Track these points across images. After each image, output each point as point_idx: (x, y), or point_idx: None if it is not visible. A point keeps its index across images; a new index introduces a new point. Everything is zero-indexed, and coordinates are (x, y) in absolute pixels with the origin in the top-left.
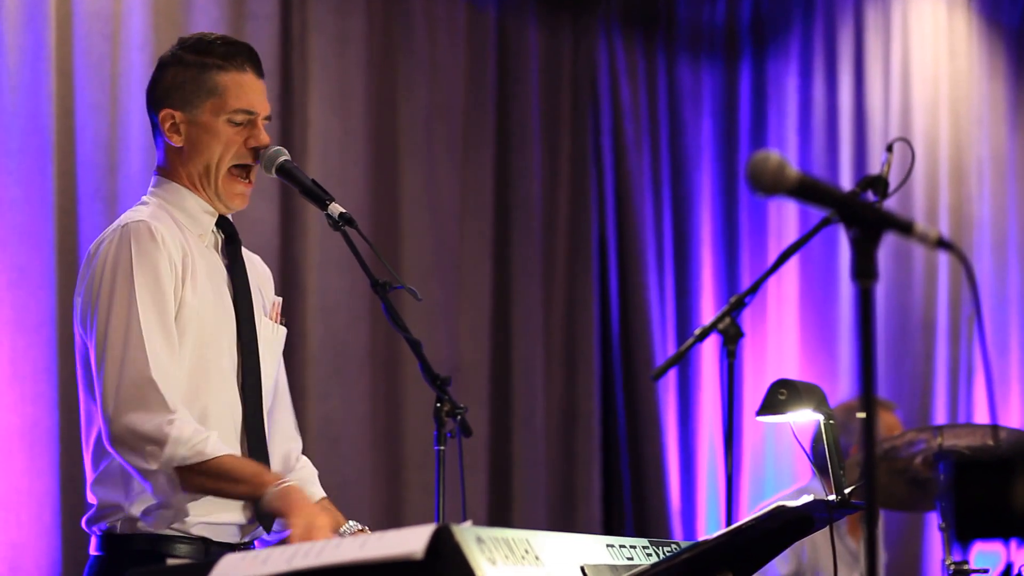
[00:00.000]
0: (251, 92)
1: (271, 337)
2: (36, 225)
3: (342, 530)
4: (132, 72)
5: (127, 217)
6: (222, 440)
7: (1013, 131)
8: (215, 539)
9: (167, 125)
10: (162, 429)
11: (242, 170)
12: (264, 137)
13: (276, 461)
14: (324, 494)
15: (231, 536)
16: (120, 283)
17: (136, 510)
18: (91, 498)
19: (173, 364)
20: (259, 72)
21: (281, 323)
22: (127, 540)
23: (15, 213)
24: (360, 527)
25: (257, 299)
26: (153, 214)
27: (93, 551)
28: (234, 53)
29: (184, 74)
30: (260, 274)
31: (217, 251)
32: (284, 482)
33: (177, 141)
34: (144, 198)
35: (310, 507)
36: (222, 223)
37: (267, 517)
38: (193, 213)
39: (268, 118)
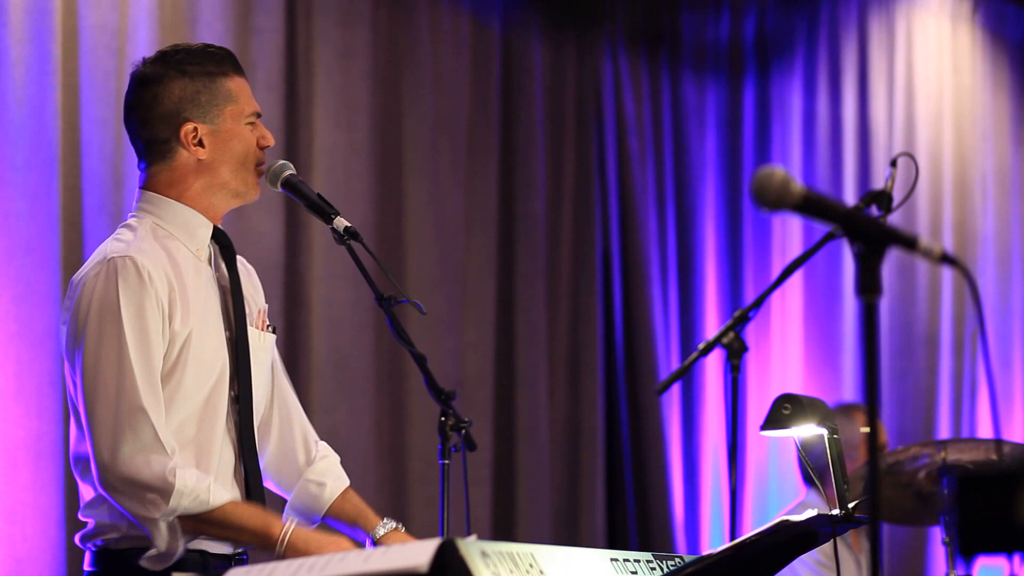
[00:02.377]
0: (251, 93)
1: (258, 346)
2: (41, 239)
3: (375, 531)
4: None
5: (112, 249)
6: (215, 456)
7: (1017, 145)
8: (212, 551)
9: (191, 138)
10: (166, 479)
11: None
12: (270, 135)
13: (299, 454)
14: (348, 483)
15: (226, 547)
16: (108, 324)
17: (133, 531)
18: (84, 518)
19: (161, 409)
20: (244, 72)
21: (268, 330)
22: (122, 555)
23: (21, 227)
24: (395, 525)
25: (245, 308)
26: (139, 246)
27: (87, 567)
28: (225, 58)
29: (193, 85)
30: (246, 280)
31: (211, 264)
32: (288, 530)
33: (202, 154)
34: (131, 220)
35: (321, 551)
36: (216, 235)
37: None
38: (191, 228)
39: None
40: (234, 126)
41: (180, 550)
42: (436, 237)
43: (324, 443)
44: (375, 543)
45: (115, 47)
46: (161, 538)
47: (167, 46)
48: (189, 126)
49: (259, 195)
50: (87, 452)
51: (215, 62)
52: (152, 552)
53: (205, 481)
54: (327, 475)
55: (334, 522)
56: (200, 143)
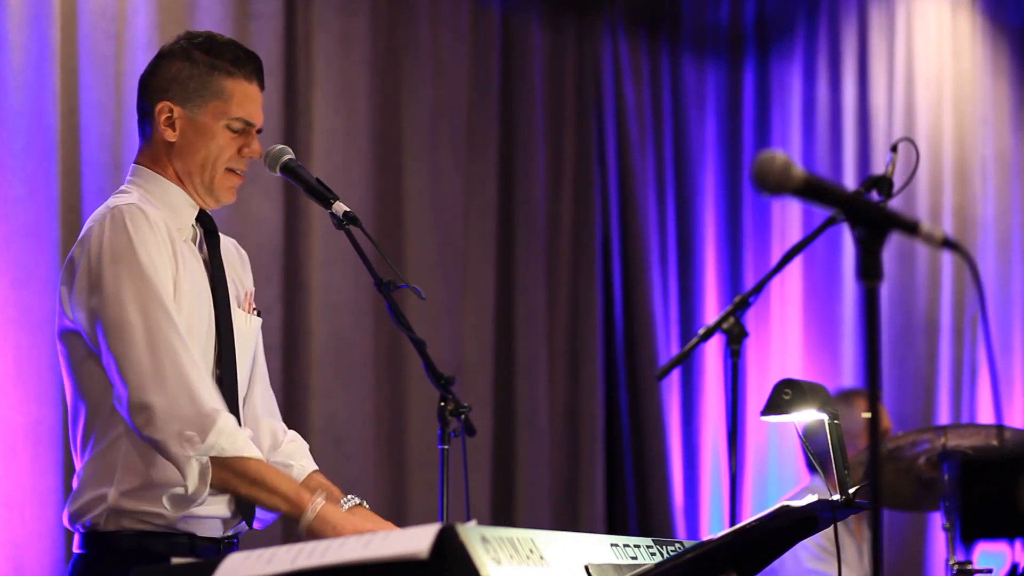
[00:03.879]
0: (253, 103)
1: (244, 328)
2: (40, 224)
3: (339, 504)
4: (136, 71)
5: (115, 202)
6: None
7: (1017, 131)
8: (200, 534)
9: (162, 118)
10: (209, 415)
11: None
12: (258, 148)
13: (264, 438)
14: (316, 467)
15: (215, 531)
16: (124, 267)
17: (122, 502)
18: (76, 487)
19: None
20: (263, 84)
21: (255, 313)
22: (110, 537)
23: (19, 212)
24: (358, 501)
25: (231, 290)
26: (141, 199)
27: (76, 549)
28: (244, 61)
29: (190, 70)
30: (235, 263)
31: (195, 245)
32: (319, 502)
33: (170, 136)
34: (124, 187)
35: (349, 528)
36: (201, 217)
37: (251, 512)
38: (175, 206)
39: (260, 130)
40: (211, 122)
41: (204, 495)
42: (435, 222)
43: (294, 432)
44: None
45: (113, 31)
46: (192, 479)
47: (204, 31)
48: (164, 104)
49: (234, 199)
50: (121, 405)
51: (229, 59)
52: (178, 491)
53: (244, 431)
54: (294, 457)
55: None
56: (172, 126)
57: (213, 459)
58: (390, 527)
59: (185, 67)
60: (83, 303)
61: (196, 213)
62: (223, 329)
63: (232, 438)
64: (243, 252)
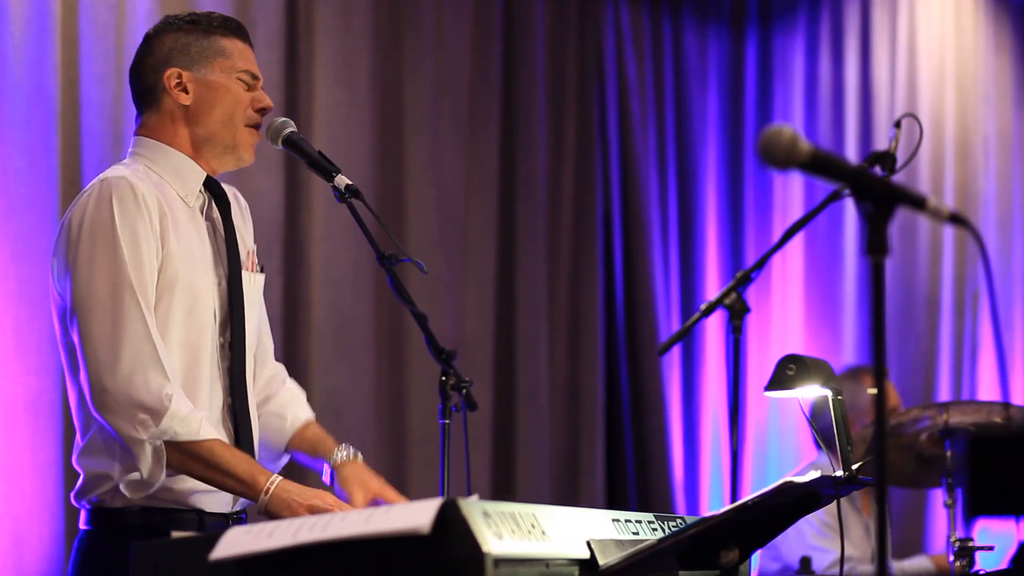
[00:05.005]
0: (252, 59)
1: (250, 288)
2: (40, 196)
3: (334, 456)
4: (137, 43)
5: (107, 173)
6: (204, 397)
7: (1019, 108)
8: (208, 510)
9: (173, 83)
10: (161, 401)
11: (251, 126)
12: (268, 99)
13: (259, 390)
14: (311, 414)
15: (224, 505)
16: (101, 241)
17: (125, 475)
18: (78, 469)
19: (156, 330)
20: (251, 45)
21: (257, 270)
22: (118, 514)
23: (20, 184)
24: (352, 453)
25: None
26: (134, 172)
27: (83, 525)
28: (232, 25)
29: (187, 38)
30: (238, 221)
31: (202, 213)
32: (273, 482)
33: (185, 99)
34: (124, 161)
35: (307, 503)
36: (209, 184)
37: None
38: (181, 173)
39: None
40: (222, 79)
41: (161, 479)
42: (436, 197)
43: (292, 380)
44: (333, 469)
45: (115, 3)
46: (145, 462)
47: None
48: (172, 71)
49: (254, 159)
50: (81, 383)
51: (217, 24)
52: (134, 476)
53: (198, 413)
54: (288, 407)
55: (298, 454)
56: (184, 89)
57: (169, 442)
58: (372, 481)
59: (180, 36)
60: (61, 276)
61: (203, 179)
62: (235, 299)
63: (186, 422)
64: (243, 202)
